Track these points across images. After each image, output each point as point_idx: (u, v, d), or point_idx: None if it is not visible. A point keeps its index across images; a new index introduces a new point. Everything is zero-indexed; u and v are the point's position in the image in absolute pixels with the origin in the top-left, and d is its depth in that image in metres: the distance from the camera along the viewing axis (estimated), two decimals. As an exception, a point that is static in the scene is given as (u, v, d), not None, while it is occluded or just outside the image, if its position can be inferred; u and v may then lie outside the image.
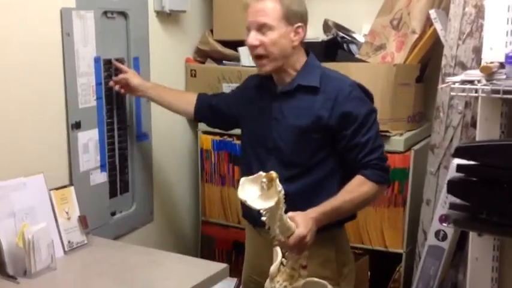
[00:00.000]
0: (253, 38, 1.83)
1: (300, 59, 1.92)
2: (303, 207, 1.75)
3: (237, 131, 2.68)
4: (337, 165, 1.90)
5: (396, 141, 2.45)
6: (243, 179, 1.44)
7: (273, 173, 1.41)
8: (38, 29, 2.02)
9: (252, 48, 1.85)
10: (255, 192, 1.43)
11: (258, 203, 1.42)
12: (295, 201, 1.83)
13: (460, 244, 2.25)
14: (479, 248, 1.86)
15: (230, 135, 2.78)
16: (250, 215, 1.90)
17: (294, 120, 1.89)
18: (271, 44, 1.83)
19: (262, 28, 1.83)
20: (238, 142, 2.73)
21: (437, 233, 2.12)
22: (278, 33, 1.83)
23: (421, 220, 2.41)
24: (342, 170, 1.90)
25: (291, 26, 1.85)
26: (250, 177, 1.44)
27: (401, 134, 2.48)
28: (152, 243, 2.61)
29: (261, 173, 1.42)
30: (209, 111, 2.24)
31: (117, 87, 2.32)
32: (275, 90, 1.95)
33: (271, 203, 1.41)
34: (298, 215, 1.67)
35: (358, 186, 1.81)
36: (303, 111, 1.88)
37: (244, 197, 1.42)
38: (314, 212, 1.73)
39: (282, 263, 1.65)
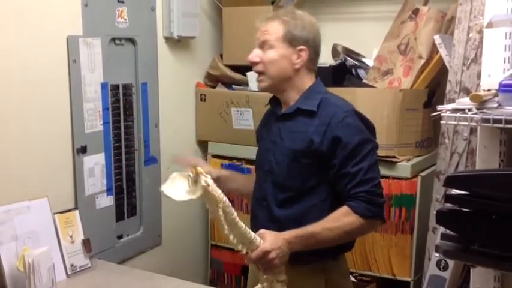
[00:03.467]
0: (254, 54, 1.89)
1: (305, 83, 1.91)
2: None
3: (246, 155, 2.72)
4: (329, 194, 1.85)
5: (403, 167, 2.42)
6: (174, 173, 1.48)
7: (198, 168, 1.44)
8: (45, 56, 2.07)
9: (252, 64, 1.90)
10: (184, 186, 1.45)
11: (179, 195, 1.45)
12: (285, 226, 1.80)
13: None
14: (480, 279, 1.82)
15: (239, 159, 2.79)
16: None
17: (289, 144, 1.88)
18: (269, 62, 1.86)
19: (263, 46, 1.87)
20: (246, 166, 2.74)
21: (438, 263, 2.07)
22: (278, 53, 1.86)
23: (427, 248, 2.36)
24: (335, 199, 1.84)
25: (292, 48, 1.86)
26: (184, 172, 1.48)
27: (408, 160, 2.45)
28: (160, 267, 2.62)
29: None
30: None
31: None
32: (278, 114, 1.96)
33: (191, 196, 1.44)
34: (268, 233, 1.68)
35: (341, 216, 1.75)
36: (298, 135, 1.87)
37: (165, 189, 1.46)
38: (287, 233, 1.71)
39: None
